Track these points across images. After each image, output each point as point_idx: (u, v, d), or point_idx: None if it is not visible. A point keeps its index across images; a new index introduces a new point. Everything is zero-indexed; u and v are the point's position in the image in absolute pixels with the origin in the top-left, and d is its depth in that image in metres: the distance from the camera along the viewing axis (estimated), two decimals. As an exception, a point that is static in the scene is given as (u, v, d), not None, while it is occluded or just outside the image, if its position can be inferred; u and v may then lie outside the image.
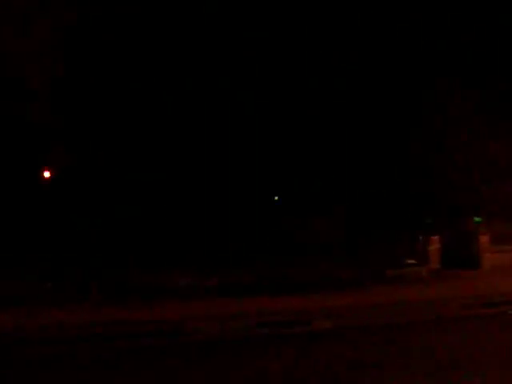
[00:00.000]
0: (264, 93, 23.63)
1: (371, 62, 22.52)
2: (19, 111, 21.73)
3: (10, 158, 22.37)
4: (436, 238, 25.33)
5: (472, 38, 22.65)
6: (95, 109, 23.02)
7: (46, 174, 24.72)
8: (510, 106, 23.43)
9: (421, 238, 25.10)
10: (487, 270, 25.58)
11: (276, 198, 25.27)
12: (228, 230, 23.44)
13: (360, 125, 23.29)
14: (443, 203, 24.82)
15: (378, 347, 12.49)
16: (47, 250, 20.79)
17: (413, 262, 24.03)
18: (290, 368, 10.79)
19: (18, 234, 21.46)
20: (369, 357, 11.48)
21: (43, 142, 22.92)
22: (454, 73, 23.16)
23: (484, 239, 26.05)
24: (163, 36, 22.79)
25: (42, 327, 14.06)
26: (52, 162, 24.23)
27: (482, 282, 21.86)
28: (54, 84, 22.06)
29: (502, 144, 24.74)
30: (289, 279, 20.89)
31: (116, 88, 22.69)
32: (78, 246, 20.88)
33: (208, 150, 23.82)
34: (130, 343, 13.36)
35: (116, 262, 21.42)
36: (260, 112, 23.70)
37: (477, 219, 26.12)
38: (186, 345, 13.24)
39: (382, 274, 23.01)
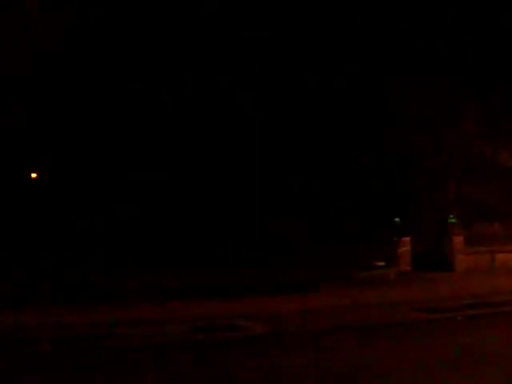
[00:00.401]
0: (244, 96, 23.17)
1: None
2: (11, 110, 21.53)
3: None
4: (407, 239, 24.73)
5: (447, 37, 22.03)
6: (93, 107, 22.72)
7: (33, 175, 24.55)
8: (482, 108, 22.78)
9: (393, 239, 24.47)
10: (461, 272, 24.97)
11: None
12: (191, 233, 23.00)
13: (329, 125, 22.71)
14: (414, 203, 24.18)
15: (302, 353, 12.13)
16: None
17: (382, 264, 23.44)
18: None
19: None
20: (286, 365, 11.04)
21: (33, 141, 22.70)
22: (428, 72, 22.54)
23: (458, 240, 25.41)
24: (161, 35, 22.42)
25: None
26: (40, 163, 23.98)
27: (448, 286, 21.20)
28: (46, 82, 21.80)
29: (475, 143, 24.16)
30: (245, 282, 20.44)
31: (115, 86, 22.37)
32: (30, 247, 20.57)
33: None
34: (58, 346, 13.00)
35: (79, 263, 21.20)
36: (255, 114, 23.24)
37: (451, 220, 25.43)
38: (109, 349, 12.83)
39: (348, 276, 22.52)
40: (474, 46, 22.52)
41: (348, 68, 22.82)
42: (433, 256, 25.08)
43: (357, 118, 22.28)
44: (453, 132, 23.75)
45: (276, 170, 22.94)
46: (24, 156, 23.02)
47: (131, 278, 20.25)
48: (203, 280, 20.60)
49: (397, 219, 25.34)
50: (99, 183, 23.26)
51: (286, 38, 22.79)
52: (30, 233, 21.86)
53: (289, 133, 22.90)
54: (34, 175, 24.81)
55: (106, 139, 23.03)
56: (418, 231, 25.05)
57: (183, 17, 22.89)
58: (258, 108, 23.02)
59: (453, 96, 22.85)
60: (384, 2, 22.82)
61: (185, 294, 18.98)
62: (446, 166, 23.61)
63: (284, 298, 18.66)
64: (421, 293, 19.53)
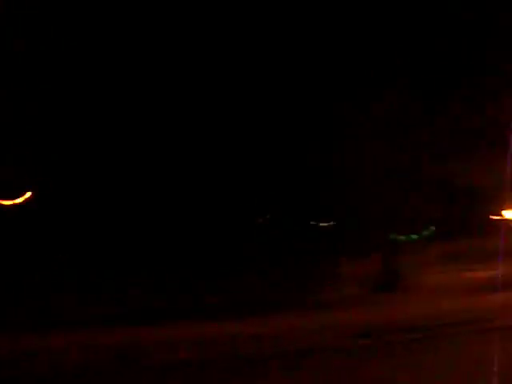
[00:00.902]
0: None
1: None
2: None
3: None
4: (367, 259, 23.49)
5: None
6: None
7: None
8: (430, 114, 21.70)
9: (341, 259, 23.28)
10: (421, 292, 23.66)
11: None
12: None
13: (272, 136, 21.57)
14: (371, 222, 22.96)
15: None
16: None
17: (331, 284, 22.17)
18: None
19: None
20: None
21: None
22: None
23: (419, 258, 24.18)
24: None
25: None
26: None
27: (398, 308, 20.02)
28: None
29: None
30: (187, 305, 19.29)
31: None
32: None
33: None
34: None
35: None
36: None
37: (412, 238, 24.25)
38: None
39: (297, 299, 21.33)
40: (422, 59, 21.59)
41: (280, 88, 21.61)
42: (392, 277, 23.81)
43: (305, 124, 21.14)
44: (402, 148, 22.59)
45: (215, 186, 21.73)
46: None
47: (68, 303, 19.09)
48: (139, 305, 19.47)
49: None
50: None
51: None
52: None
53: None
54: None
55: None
56: (377, 251, 23.80)
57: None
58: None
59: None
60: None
61: (123, 319, 17.76)
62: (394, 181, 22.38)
63: (223, 322, 17.43)
64: (364, 315, 18.24)
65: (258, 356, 13.44)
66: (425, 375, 11.33)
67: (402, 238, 25.44)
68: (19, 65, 20.47)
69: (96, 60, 20.91)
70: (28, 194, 21.43)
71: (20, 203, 21.39)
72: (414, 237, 24.02)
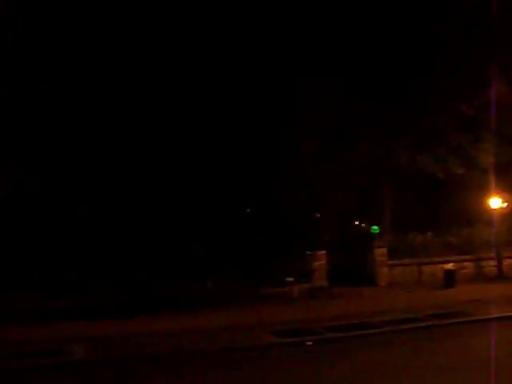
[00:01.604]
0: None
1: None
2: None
3: None
4: (323, 252, 23.11)
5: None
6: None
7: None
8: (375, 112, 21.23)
9: (306, 253, 22.95)
10: (383, 286, 23.40)
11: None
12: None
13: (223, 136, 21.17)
14: (330, 214, 22.62)
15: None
16: None
17: (291, 279, 21.87)
18: None
19: None
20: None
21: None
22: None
23: (381, 252, 23.83)
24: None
25: None
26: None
27: (353, 303, 19.77)
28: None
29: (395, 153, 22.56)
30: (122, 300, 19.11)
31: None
32: None
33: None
34: None
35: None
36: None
37: (374, 229, 23.87)
38: None
39: (253, 293, 21.13)
40: (378, 57, 21.12)
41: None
42: (353, 269, 23.50)
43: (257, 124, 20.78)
44: (368, 142, 22.18)
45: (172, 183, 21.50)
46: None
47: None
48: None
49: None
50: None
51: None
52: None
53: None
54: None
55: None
56: (333, 243, 23.45)
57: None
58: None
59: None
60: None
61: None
62: (359, 174, 21.94)
63: (159, 318, 17.37)
64: (309, 312, 18.05)
65: (165, 354, 13.23)
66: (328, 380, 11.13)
67: (375, 229, 25.15)
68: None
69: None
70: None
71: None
72: (375, 229, 23.63)
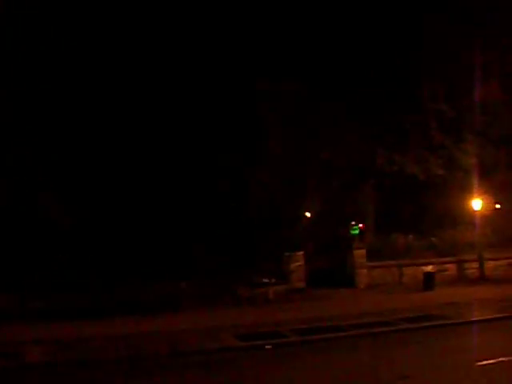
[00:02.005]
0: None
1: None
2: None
3: None
4: (301, 253, 22.76)
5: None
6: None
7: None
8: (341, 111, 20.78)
9: (283, 254, 22.60)
10: (362, 288, 23.03)
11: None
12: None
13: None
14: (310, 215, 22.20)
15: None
16: None
17: (272, 280, 21.50)
18: None
19: None
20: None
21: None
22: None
23: (360, 254, 23.45)
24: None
25: None
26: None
27: (330, 305, 19.45)
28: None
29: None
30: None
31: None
32: None
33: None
34: None
35: None
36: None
37: (354, 230, 23.45)
38: None
39: (229, 295, 20.80)
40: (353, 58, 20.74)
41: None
42: (331, 271, 23.15)
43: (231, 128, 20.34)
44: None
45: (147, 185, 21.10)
46: None
47: None
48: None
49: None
50: None
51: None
52: None
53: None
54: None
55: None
56: (313, 245, 23.10)
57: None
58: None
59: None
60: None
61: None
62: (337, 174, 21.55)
63: (123, 320, 17.06)
64: (281, 314, 17.73)
65: (109, 359, 12.90)
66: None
67: (355, 230, 24.75)
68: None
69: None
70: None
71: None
72: (355, 230, 23.23)
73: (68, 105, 21.59)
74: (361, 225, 23.54)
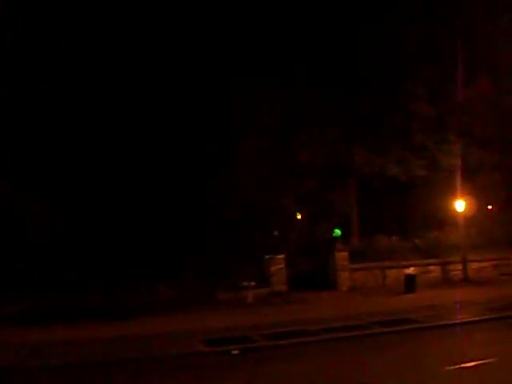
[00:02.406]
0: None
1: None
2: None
3: None
4: (282, 256, 22.53)
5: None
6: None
7: None
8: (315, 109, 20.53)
9: (264, 257, 22.39)
10: (344, 291, 22.80)
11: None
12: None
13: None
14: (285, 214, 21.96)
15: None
16: None
17: (252, 284, 21.27)
18: None
19: None
20: None
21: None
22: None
23: (342, 256, 23.22)
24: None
25: None
26: None
27: (308, 308, 19.22)
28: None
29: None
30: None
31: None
32: None
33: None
34: None
35: None
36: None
37: (336, 233, 23.27)
38: None
39: (208, 298, 20.61)
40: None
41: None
42: (313, 274, 22.94)
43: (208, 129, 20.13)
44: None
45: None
46: None
47: None
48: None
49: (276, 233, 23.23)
50: None
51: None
52: None
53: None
54: None
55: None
56: (294, 247, 22.90)
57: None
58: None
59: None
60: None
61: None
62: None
63: (95, 324, 16.93)
64: (255, 318, 17.56)
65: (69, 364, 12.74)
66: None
67: (337, 232, 24.61)
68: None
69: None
70: None
71: None
72: (337, 232, 23.05)
73: (49, 101, 21.40)
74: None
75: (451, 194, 24.42)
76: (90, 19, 21.23)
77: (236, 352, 13.41)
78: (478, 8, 23.85)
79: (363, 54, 20.71)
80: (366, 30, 20.42)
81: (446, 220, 25.90)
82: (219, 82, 19.40)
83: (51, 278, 19.68)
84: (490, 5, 24.14)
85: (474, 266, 24.68)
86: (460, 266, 24.29)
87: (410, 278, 21.77)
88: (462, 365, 11.52)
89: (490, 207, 33.47)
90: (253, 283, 21.42)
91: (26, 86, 20.48)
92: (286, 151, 20.08)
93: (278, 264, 22.37)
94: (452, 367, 11.52)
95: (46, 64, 21.05)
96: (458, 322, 16.59)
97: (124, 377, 12.00)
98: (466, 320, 16.71)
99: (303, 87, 19.81)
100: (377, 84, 21.12)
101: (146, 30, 20.40)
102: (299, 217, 25.67)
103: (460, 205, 23.75)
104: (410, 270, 22.04)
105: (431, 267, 24.35)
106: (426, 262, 24.26)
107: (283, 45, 19.64)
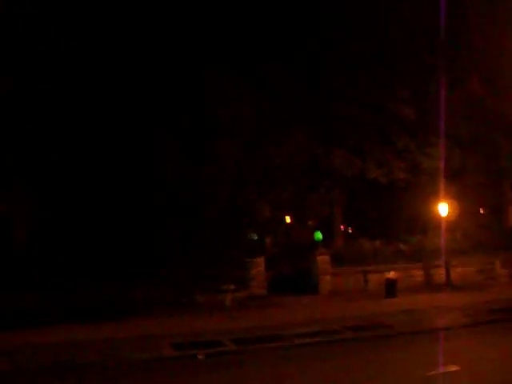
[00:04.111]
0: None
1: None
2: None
3: None
4: (262, 259, 22.31)
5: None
6: None
7: None
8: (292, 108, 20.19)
9: (244, 260, 22.14)
10: (325, 295, 22.55)
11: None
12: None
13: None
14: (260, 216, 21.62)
15: None
16: None
17: (226, 287, 21.00)
18: None
19: None
20: None
21: None
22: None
23: (324, 260, 22.98)
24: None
25: None
26: None
27: (285, 312, 18.97)
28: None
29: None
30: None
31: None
32: None
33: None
34: None
35: None
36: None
37: (317, 236, 23.02)
38: None
39: (184, 301, 20.35)
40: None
41: None
42: (294, 278, 22.71)
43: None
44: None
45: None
46: None
47: None
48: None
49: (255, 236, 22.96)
50: None
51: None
52: None
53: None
54: None
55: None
56: (276, 250, 22.67)
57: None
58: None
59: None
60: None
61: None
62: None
63: (64, 328, 16.60)
64: (229, 323, 17.32)
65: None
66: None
67: (319, 236, 24.37)
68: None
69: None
70: None
71: None
72: (319, 236, 22.81)
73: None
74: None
75: (435, 197, 24.19)
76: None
77: (201, 357, 13.17)
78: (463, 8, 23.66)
79: (343, 54, 20.47)
80: (343, 28, 20.16)
81: (430, 224, 25.66)
82: (189, 81, 19.05)
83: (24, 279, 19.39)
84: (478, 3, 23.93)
85: (458, 270, 24.44)
86: (443, 271, 24.05)
87: (391, 283, 21.53)
88: (426, 373, 11.27)
89: (482, 211, 33.34)
90: (232, 286, 21.14)
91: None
92: (262, 152, 19.79)
93: (258, 267, 22.17)
94: (416, 375, 11.29)
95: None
96: (434, 328, 16.38)
97: (78, 381, 11.74)
98: (443, 326, 16.51)
99: (278, 86, 19.52)
100: (357, 84, 20.86)
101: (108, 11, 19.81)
102: (288, 220, 25.43)
103: (443, 208, 23.51)
104: (391, 275, 21.77)
105: (414, 271, 24.15)
106: (409, 266, 24.03)
107: (256, 42, 19.33)
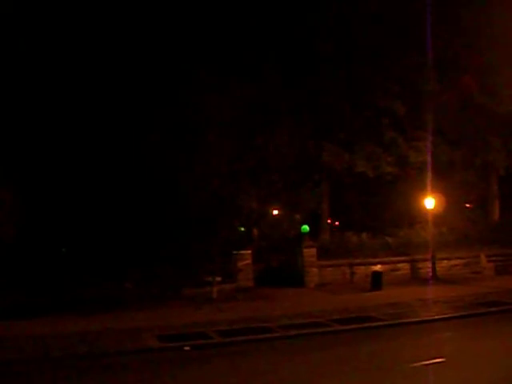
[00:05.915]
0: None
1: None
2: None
3: None
4: (249, 252, 22.31)
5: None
6: None
7: None
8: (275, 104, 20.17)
9: (231, 252, 22.12)
10: (311, 287, 22.61)
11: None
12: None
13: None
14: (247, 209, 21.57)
15: None
16: None
17: (217, 279, 20.97)
18: None
19: None
20: None
21: None
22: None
23: (310, 252, 23.02)
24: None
25: None
26: None
27: (271, 304, 18.97)
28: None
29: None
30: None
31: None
32: None
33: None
34: None
35: None
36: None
37: (304, 229, 23.02)
38: None
39: (171, 294, 20.31)
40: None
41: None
42: (281, 270, 22.73)
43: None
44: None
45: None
46: None
47: None
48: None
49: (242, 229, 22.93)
50: None
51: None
52: None
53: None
54: None
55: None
56: (263, 243, 22.66)
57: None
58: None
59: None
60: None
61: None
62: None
63: (53, 320, 16.60)
64: (214, 315, 17.32)
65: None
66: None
67: (305, 228, 24.35)
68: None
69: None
70: None
71: None
72: (305, 228, 22.80)
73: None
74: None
75: (422, 191, 24.27)
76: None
77: (187, 348, 13.17)
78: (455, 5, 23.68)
79: (332, 52, 20.43)
80: (333, 24, 20.12)
81: (416, 217, 25.80)
82: (181, 75, 18.96)
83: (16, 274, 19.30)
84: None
85: (444, 263, 24.61)
86: (429, 264, 24.16)
87: (377, 275, 21.61)
88: (411, 364, 11.32)
89: (468, 205, 33.52)
90: (218, 279, 21.17)
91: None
92: (251, 145, 19.72)
93: (245, 260, 22.17)
94: (401, 367, 11.35)
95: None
96: (419, 320, 16.44)
97: (68, 372, 11.70)
98: (429, 319, 16.57)
99: (268, 82, 19.45)
100: (346, 79, 20.85)
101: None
102: (275, 212, 25.40)
103: (430, 202, 23.60)
104: (377, 268, 21.86)
105: (400, 265, 24.27)
106: (395, 259, 24.15)
107: (246, 39, 19.25)
